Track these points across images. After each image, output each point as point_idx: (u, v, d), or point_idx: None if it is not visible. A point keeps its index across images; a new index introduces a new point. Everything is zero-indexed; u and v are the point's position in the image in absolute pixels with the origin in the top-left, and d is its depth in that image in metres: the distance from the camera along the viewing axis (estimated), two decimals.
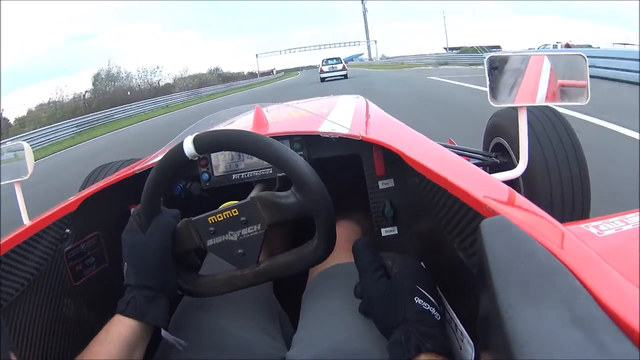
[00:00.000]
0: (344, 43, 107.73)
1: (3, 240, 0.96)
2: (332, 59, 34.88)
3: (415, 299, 0.76)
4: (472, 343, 0.73)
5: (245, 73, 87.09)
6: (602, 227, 0.70)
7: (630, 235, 0.68)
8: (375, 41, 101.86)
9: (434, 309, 0.77)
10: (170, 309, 0.93)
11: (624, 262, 0.52)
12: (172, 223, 0.90)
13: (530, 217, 0.66)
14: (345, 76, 32.29)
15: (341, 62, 33.87)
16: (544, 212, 0.66)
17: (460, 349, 0.78)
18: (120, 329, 0.84)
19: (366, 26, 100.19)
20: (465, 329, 0.76)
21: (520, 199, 0.75)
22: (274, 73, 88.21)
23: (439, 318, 0.77)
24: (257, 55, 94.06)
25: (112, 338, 0.83)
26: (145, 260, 0.88)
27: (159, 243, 0.88)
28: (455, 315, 0.81)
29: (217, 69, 71.72)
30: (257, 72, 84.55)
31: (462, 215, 0.76)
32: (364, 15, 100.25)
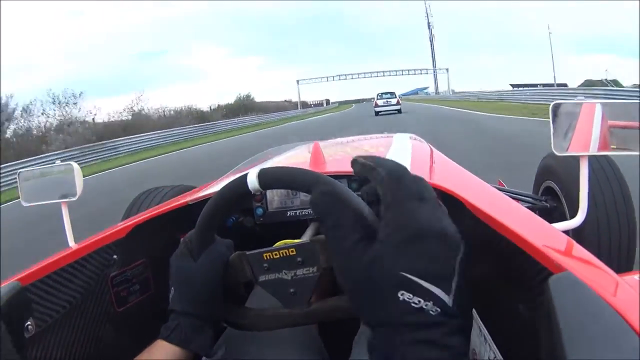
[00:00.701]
0: (406, 71, 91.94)
1: (49, 261, 0.97)
2: (386, 93, 35.78)
3: (399, 294, 0.51)
4: None
5: (285, 101, 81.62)
6: None
7: None
8: (447, 69, 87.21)
9: (430, 302, 0.50)
10: (214, 340, 0.92)
11: None
12: (225, 253, 0.89)
13: (592, 272, 0.65)
14: (399, 111, 32.64)
15: (395, 97, 34.64)
16: (607, 267, 0.65)
17: None
18: (162, 355, 0.83)
19: (433, 53, 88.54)
20: None
21: (582, 251, 0.73)
22: (326, 104, 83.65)
23: (438, 312, 0.50)
24: (297, 81, 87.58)
25: None
26: (194, 287, 0.86)
27: (210, 272, 0.87)
28: None
29: (247, 96, 62.96)
30: (298, 102, 79.67)
31: (526, 268, 0.74)
32: (431, 41, 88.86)
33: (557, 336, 0.45)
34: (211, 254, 0.87)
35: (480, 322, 0.95)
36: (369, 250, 0.54)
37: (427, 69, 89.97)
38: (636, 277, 0.69)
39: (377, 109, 33.54)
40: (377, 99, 34.86)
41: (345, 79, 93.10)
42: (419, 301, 0.50)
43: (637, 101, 1.50)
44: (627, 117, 1.50)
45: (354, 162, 0.64)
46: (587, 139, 1.45)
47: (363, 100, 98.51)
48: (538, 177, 2.47)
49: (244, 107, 54.22)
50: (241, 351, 1.00)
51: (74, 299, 0.99)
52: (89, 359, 1.01)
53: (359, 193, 0.81)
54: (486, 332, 0.91)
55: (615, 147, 1.47)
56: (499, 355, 0.83)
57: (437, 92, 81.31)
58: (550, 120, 1.47)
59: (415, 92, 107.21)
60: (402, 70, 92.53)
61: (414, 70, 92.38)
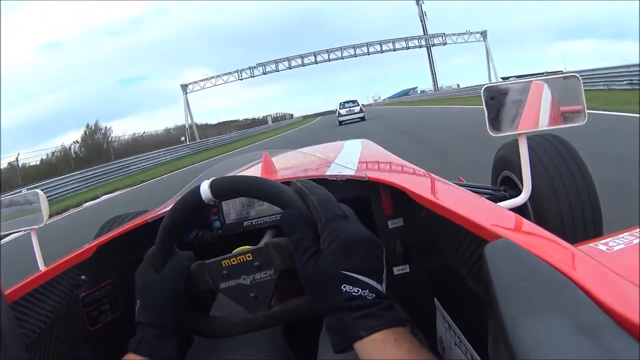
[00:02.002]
0: (387, 44, 63.88)
1: (19, 285, 0.98)
2: (349, 101, 35.49)
3: (342, 287, 0.70)
4: None
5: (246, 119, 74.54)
6: (611, 244, 0.71)
7: (638, 247, 0.68)
8: (485, 32, 62.86)
9: (367, 290, 0.70)
10: (182, 350, 0.93)
11: (633, 271, 0.52)
12: (185, 265, 0.91)
13: (535, 239, 0.67)
14: (363, 118, 32.51)
15: (358, 105, 34.54)
16: (551, 233, 0.66)
17: None
18: None
19: (429, 49, 69.39)
20: (481, 358, 0.76)
21: (526, 223, 0.75)
22: (287, 118, 77.64)
23: (373, 297, 0.70)
24: (184, 87, 65.34)
25: None
26: (157, 299, 0.88)
27: (173, 283, 0.89)
28: (470, 346, 0.81)
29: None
30: (186, 116, 60.53)
31: (467, 244, 0.77)
32: (424, 28, 70.35)
33: (494, 299, 0.46)
34: (172, 265, 0.90)
35: (443, 309, 0.97)
36: (319, 259, 0.73)
37: (420, 39, 66.60)
38: (591, 244, 0.71)
39: (341, 118, 33.62)
40: (340, 109, 34.81)
41: (273, 70, 65.72)
42: (358, 290, 0.70)
43: (573, 74, 1.54)
44: (559, 93, 1.54)
45: (293, 184, 0.83)
46: (523, 118, 1.49)
47: (327, 112, 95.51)
48: (495, 169, 2.50)
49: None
50: (210, 359, 1.02)
51: (47, 318, 1.00)
52: None
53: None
54: (449, 318, 0.93)
55: (552, 123, 1.52)
56: (464, 338, 0.84)
57: (436, 89, 67.23)
58: (484, 103, 1.51)
59: (405, 92, 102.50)
60: (377, 44, 65.32)
61: (395, 42, 65.21)
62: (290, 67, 66.65)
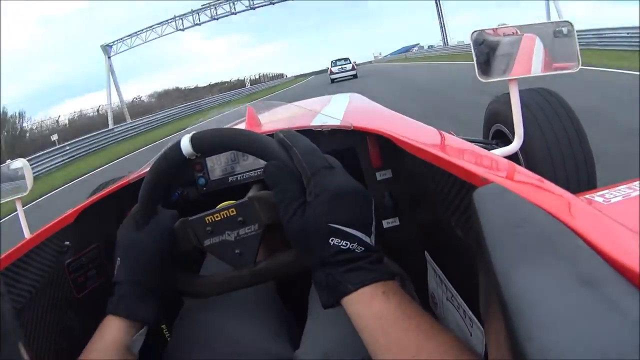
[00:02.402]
0: None
1: (4, 255, 0.96)
2: (340, 59, 35.43)
3: (330, 240, 0.68)
4: (481, 328, 0.70)
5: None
6: (608, 196, 0.69)
7: (637, 199, 0.65)
8: None
9: (355, 243, 0.69)
10: (165, 312, 0.92)
11: (632, 221, 0.49)
12: (169, 222, 0.90)
13: (529, 185, 0.64)
14: (355, 76, 32.62)
15: (350, 62, 34.46)
16: (546, 180, 0.63)
17: (471, 335, 0.75)
18: (112, 331, 0.83)
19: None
20: (474, 314, 0.74)
21: (519, 169, 0.72)
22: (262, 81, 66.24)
23: (362, 250, 0.69)
24: (106, 47, 45.40)
25: (107, 341, 0.82)
26: (138, 256, 0.87)
27: (155, 240, 0.88)
28: (462, 301, 0.79)
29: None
30: (108, 79, 42.93)
31: (456, 190, 0.74)
32: None
33: (484, 249, 0.43)
34: (156, 223, 0.89)
35: (434, 263, 0.95)
36: (305, 211, 0.71)
37: None
38: (587, 195, 0.69)
39: (333, 76, 33.66)
40: (332, 67, 34.81)
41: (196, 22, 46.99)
42: (346, 244, 0.68)
43: (566, 20, 1.50)
44: (553, 41, 1.51)
45: (276, 134, 0.80)
46: (513, 64, 1.47)
47: (322, 71, 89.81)
48: (486, 122, 2.49)
49: None
50: (199, 319, 1.01)
51: (34, 288, 0.98)
52: (57, 346, 1.01)
53: None
54: (441, 272, 0.91)
55: (543, 70, 1.49)
56: (455, 293, 0.83)
57: (446, 43, 58.98)
58: (472, 48, 1.48)
59: (406, 49, 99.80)
60: None
61: None
62: (252, 7, 46.77)
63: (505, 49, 1.47)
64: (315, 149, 0.76)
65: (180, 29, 48.79)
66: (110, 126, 29.89)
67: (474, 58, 1.47)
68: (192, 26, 48.42)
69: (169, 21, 48.16)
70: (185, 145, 0.81)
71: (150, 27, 48.66)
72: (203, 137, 0.81)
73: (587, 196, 0.68)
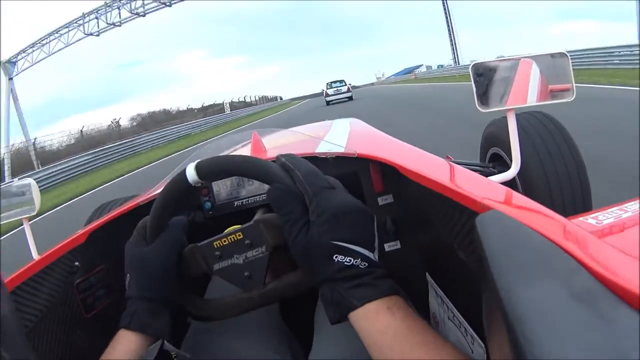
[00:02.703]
0: None
1: (14, 275, 0.97)
2: (336, 81, 35.07)
3: (334, 257, 0.71)
4: (482, 345, 0.73)
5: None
6: (600, 218, 0.71)
7: (629, 221, 0.68)
8: None
9: (359, 259, 0.71)
10: (176, 328, 0.93)
11: (623, 242, 0.52)
12: (179, 236, 0.92)
13: (526, 211, 0.67)
14: (351, 98, 32.45)
15: (345, 85, 34.16)
16: (542, 205, 0.66)
17: (472, 352, 0.78)
18: (125, 345, 0.84)
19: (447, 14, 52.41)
20: (475, 332, 0.76)
21: (516, 195, 0.75)
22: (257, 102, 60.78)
23: (366, 266, 0.71)
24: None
25: (119, 354, 0.83)
26: (147, 271, 0.88)
27: (164, 254, 0.88)
28: (463, 320, 0.82)
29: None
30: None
31: (458, 216, 0.77)
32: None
33: (487, 270, 0.46)
34: (165, 236, 0.90)
35: (435, 285, 0.97)
36: (309, 231, 0.73)
37: None
38: (581, 218, 0.71)
39: (328, 98, 33.37)
40: (327, 89, 34.43)
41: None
42: (350, 260, 0.71)
43: (561, 51, 1.54)
44: (548, 70, 1.55)
45: (278, 159, 0.84)
46: (511, 94, 1.50)
47: (319, 94, 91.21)
48: (483, 146, 2.51)
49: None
50: (207, 343, 1.02)
51: (44, 307, 1.00)
52: None
53: None
54: (442, 293, 0.93)
55: (539, 99, 1.53)
56: (457, 312, 0.85)
57: (457, 62, 53.80)
58: (472, 80, 1.52)
59: (409, 70, 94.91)
60: None
61: None
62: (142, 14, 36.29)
63: (503, 78, 1.50)
64: (316, 170, 0.80)
65: (93, 34, 37.07)
66: (5, 180, 21.50)
67: (474, 89, 1.50)
68: (109, 28, 36.91)
69: (77, 21, 36.57)
70: (191, 173, 0.83)
71: (56, 31, 36.79)
72: (208, 165, 0.84)
73: (581, 219, 0.70)
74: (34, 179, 1.90)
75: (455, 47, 56.79)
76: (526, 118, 2.16)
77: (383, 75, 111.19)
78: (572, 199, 1.95)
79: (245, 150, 1.64)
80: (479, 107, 1.52)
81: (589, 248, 0.47)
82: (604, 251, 0.47)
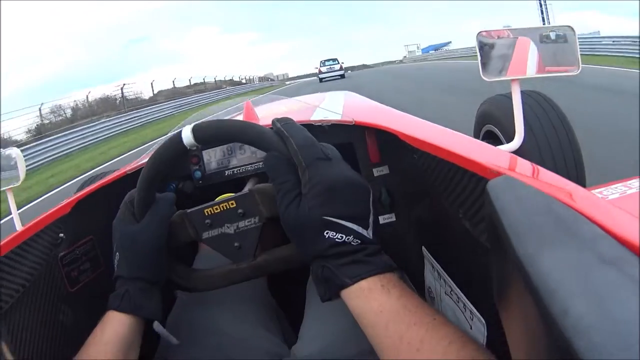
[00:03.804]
0: None
1: None
2: (329, 60, 37.18)
3: (325, 233, 0.69)
4: (483, 320, 0.71)
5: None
6: (605, 193, 0.70)
7: (635, 195, 0.67)
8: None
9: (351, 236, 0.69)
10: (166, 306, 0.91)
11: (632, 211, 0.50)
12: (168, 212, 0.89)
13: (537, 178, 0.65)
14: (343, 76, 34.39)
15: (338, 63, 36.28)
16: (552, 173, 0.64)
17: (471, 328, 0.76)
18: (116, 327, 0.81)
19: None
20: (474, 307, 0.74)
21: (525, 163, 0.73)
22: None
23: (359, 243, 0.69)
24: None
25: (109, 337, 0.80)
26: (140, 250, 0.85)
27: (155, 233, 0.85)
28: (463, 295, 0.79)
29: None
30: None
31: (465, 183, 0.74)
32: None
33: (504, 239, 0.44)
34: (154, 213, 0.87)
35: (432, 258, 0.95)
36: (300, 203, 0.71)
37: None
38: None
39: (322, 76, 35.30)
40: (321, 67, 36.37)
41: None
42: (342, 236, 0.68)
43: (568, 24, 1.53)
44: (555, 42, 1.53)
45: (274, 122, 0.80)
46: (515, 65, 1.49)
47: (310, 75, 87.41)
48: (477, 123, 2.52)
49: None
50: (194, 316, 1.00)
51: (27, 281, 0.96)
52: (51, 341, 0.99)
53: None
54: (439, 267, 0.91)
55: (542, 71, 1.52)
56: (454, 286, 0.83)
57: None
58: (477, 50, 1.51)
59: (436, 48, 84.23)
60: None
61: None
62: None
63: (509, 50, 1.49)
64: (312, 139, 0.76)
65: None
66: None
67: (479, 58, 1.49)
68: None
69: None
70: (187, 135, 0.80)
71: None
72: (205, 127, 0.81)
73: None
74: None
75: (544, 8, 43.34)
76: (522, 96, 2.15)
77: (418, 47, 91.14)
78: (567, 175, 1.96)
79: (237, 118, 1.61)
80: (483, 77, 1.51)
81: (607, 213, 0.45)
82: (626, 219, 0.44)
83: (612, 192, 0.71)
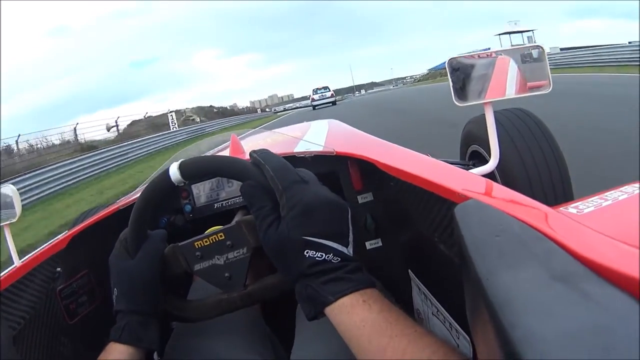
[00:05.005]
0: None
1: None
2: (320, 88, 38.63)
3: (305, 252, 0.71)
4: (467, 338, 0.72)
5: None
6: (581, 207, 0.71)
7: (609, 209, 0.69)
8: None
9: (331, 254, 0.71)
10: (164, 336, 0.93)
11: (602, 225, 0.52)
12: (160, 247, 0.91)
13: (505, 200, 0.67)
14: (334, 103, 35.77)
15: (329, 91, 37.73)
16: (521, 194, 0.66)
17: (458, 346, 0.77)
18: (117, 357, 0.83)
19: None
20: (460, 326, 0.76)
21: (496, 186, 0.75)
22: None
23: (339, 260, 0.71)
24: None
25: None
26: (135, 285, 0.88)
27: (149, 267, 0.88)
28: (447, 314, 0.81)
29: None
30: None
31: (438, 208, 0.77)
32: None
33: (468, 257, 0.46)
34: (147, 248, 0.89)
35: (418, 281, 0.97)
36: (279, 226, 0.73)
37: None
38: (562, 208, 0.71)
39: (314, 103, 36.57)
40: (313, 94, 37.92)
41: None
42: (322, 255, 0.70)
43: (537, 44, 1.56)
44: (524, 62, 1.56)
45: (251, 154, 0.82)
46: (488, 88, 1.51)
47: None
48: (463, 144, 2.54)
49: None
50: (189, 345, 1.02)
51: (27, 314, 0.99)
52: None
53: None
54: (425, 289, 0.93)
55: (517, 92, 1.54)
56: (441, 307, 0.85)
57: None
58: (448, 75, 1.52)
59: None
60: None
61: None
62: None
63: (480, 73, 1.51)
64: (286, 164, 0.78)
65: None
66: None
67: (450, 83, 1.51)
68: None
69: None
70: (174, 172, 0.83)
71: None
72: (191, 164, 0.84)
73: (561, 208, 0.71)
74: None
75: None
76: (504, 114, 2.19)
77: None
78: (553, 191, 1.98)
79: (224, 153, 1.63)
80: (456, 102, 1.52)
81: (567, 230, 0.47)
82: (582, 233, 0.47)
83: (588, 205, 0.73)
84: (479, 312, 0.44)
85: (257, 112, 55.69)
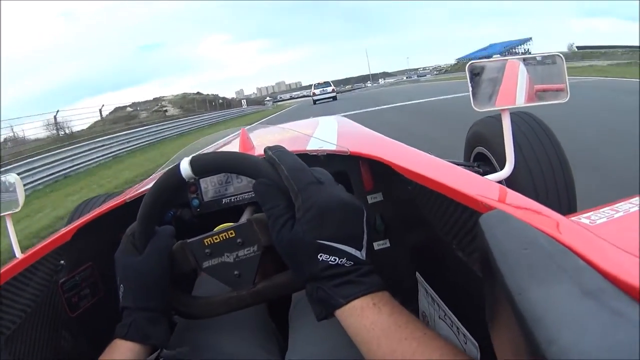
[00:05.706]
0: None
1: None
2: (322, 83, 39.84)
3: (318, 256, 0.70)
4: (476, 343, 0.73)
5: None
6: (593, 217, 0.72)
7: (622, 220, 0.69)
8: None
9: (344, 258, 0.70)
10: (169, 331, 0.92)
11: (620, 239, 0.53)
12: (168, 243, 0.90)
13: (526, 210, 0.67)
14: (335, 98, 36.50)
15: (331, 86, 38.95)
16: (540, 204, 0.67)
17: (465, 351, 0.77)
18: (122, 354, 0.83)
19: None
20: (468, 330, 0.76)
21: (513, 194, 0.76)
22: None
23: (351, 264, 0.71)
24: None
25: None
26: (143, 281, 0.87)
27: (157, 263, 0.87)
28: (456, 319, 0.81)
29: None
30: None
31: (458, 215, 0.77)
32: None
33: (496, 269, 0.46)
34: (155, 244, 0.88)
35: (426, 284, 0.97)
36: (293, 228, 0.72)
37: None
38: (574, 218, 0.71)
39: (315, 98, 37.50)
40: (314, 89, 39.01)
41: None
42: (335, 259, 0.70)
43: (556, 53, 1.56)
44: (541, 71, 1.56)
45: (265, 151, 0.82)
46: (505, 94, 1.52)
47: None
48: (468, 145, 2.53)
49: None
50: (194, 340, 1.02)
51: (29, 307, 0.98)
52: None
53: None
54: (433, 292, 0.93)
55: (532, 100, 1.54)
56: (448, 310, 0.85)
57: None
58: (468, 80, 1.53)
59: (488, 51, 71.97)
60: None
61: None
62: None
63: (499, 79, 1.51)
64: (302, 164, 0.78)
65: None
66: None
67: (469, 89, 1.51)
68: None
69: None
70: (185, 168, 0.82)
71: None
72: (202, 160, 0.83)
73: (574, 218, 0.71)
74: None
75: None
76: (512, 119, 2.16)
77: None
78: (558, 199, 1.98)
79: (233, 147, 1.63)
80: (474, 107, 1.53)
81: (593, 247, 0.48)
82: (607, 249, 0.48)
83: (600, 216, 0.73)
84: (506, 325, 0.44)
85: (241, 105, 51.04)
